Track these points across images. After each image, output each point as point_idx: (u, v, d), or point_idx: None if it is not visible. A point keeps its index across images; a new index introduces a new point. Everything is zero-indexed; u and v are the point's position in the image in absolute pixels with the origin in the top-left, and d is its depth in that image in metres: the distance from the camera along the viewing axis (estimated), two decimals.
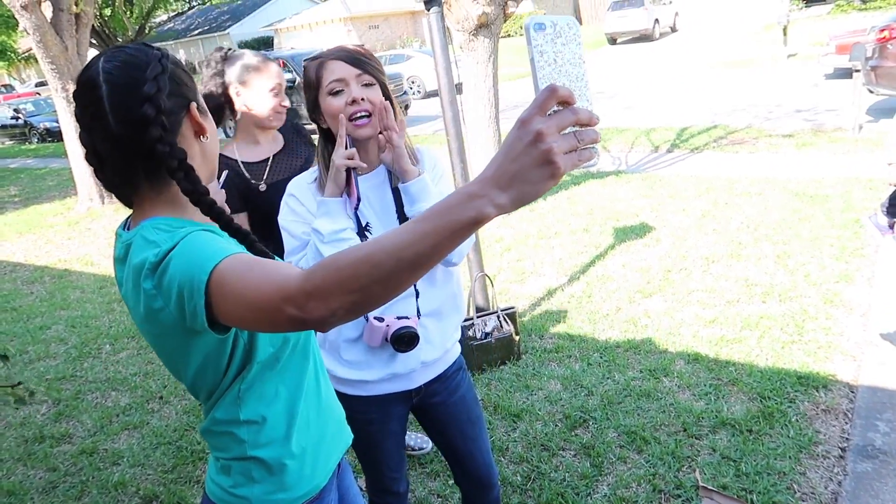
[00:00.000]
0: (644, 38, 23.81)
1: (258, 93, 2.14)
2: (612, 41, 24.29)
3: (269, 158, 2.21)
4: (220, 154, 2.09)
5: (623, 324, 3.68)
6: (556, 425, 2.87)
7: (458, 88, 6.26)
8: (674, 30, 25.86)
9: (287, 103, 2.19)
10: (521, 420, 2.93)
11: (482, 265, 3.56)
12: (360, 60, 1.54)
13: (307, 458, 1.20)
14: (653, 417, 2.82)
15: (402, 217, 1.58)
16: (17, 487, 2.94)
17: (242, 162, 2.17)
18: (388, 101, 1.54)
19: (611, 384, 3.11)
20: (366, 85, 1.54)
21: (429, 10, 3.08)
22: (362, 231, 1.57)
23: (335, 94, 1.53)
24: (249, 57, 2.16)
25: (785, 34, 15.12)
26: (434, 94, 16.63)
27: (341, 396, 1.56)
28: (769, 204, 5.30)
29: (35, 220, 8.62)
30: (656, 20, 23.92)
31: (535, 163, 0.69)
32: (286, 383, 1.16)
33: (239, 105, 2.16)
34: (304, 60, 1.61)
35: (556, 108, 0.71)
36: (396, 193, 1.60)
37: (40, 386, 3.87)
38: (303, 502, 1.19)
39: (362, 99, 1.51)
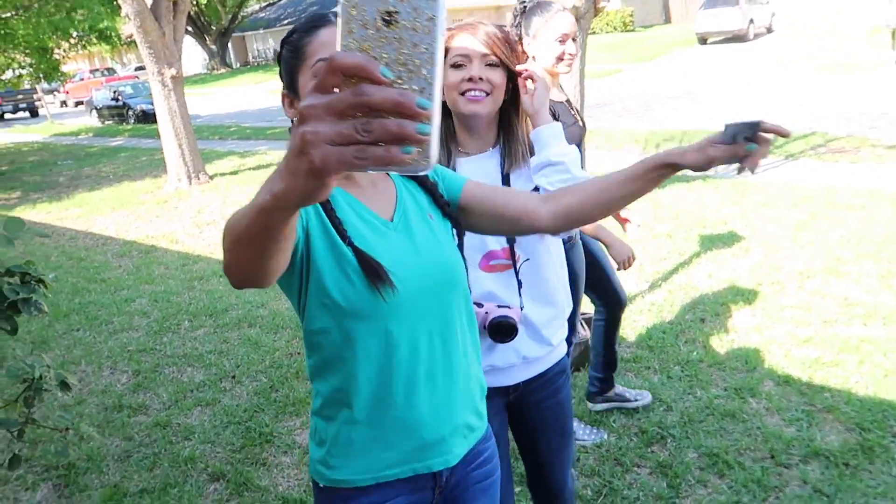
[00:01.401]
0: (737, 38, 22.82)
1: (544, 42, 2.24)
2: (703, 41, 23.39)
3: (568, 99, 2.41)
4: None
5: (707, 337, 3.48)
6: (632, 440, 2.73)
7: None
8: (770, 31, 24.67)
9: (573, 51, 2.24)
10: (597, 427, 2.80)
11: None
12: (489, 40, 1.49)
13: (340, 450, 1.16)
14: (737, 440, 2.64)
15: None
16: (95, 453, 3.03)
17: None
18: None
19: (692, 401, 2.94)
20: (490, 65, 1.49)
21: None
22: None
23: (456, 66, 1.49)
24: (539, 9, 2.28)
25: (894, 38, 14.17)
26: None
27: None
28: (873, 218, 4.92)
29: (127, 196, 9.02)
30: (751, 20, 22.88)
31: (293, 150, 0.55)
32: (340, 368, 1.13)
33: (530, 55, 2.28)
34: None
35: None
36: (506, 180, 1.54)
37: (122, 356, 4.01)
38: (335, 487, 1.18)
39: (480, 78, 1.48)
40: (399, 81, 0.55)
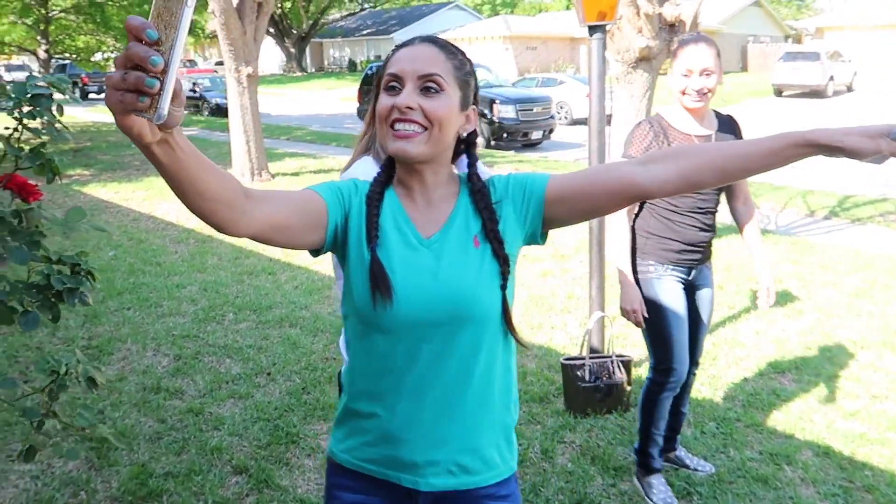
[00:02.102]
0: (815, 93, 22.27)
1: (673, 75, 2.37)
2: (778, 93, 22.93)
3: (711, 135, 2.42)
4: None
5: (747, 396, 3.38)
6: None
7: (608, 120, 6.11)
8: (850, 89, 24.02)
9: (697, 86, 2.30)
10: (620, 478, 2.75)
11: (604, 304, 3.40)
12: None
13: (339, 424, 1.28)
14: None
15: None
16: (129, 431, 3.13)
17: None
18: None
19: (724, 460, 2.85)
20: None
21: (592, 35, 2.99)
22: None
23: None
24: (681, 41, 2.40)
25: None
26: (581, 121, 16.42)
27: None
28: None
29: None
30: (831, 77, 22.32)
31: None
32: (355, 352, 1.23)
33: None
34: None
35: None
36: None
37: (167, 340, 4.14)
38: (331, 457, 1.29)
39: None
40: (161, 41, 0.72)
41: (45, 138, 1.87)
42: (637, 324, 2.50)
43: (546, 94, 14.91)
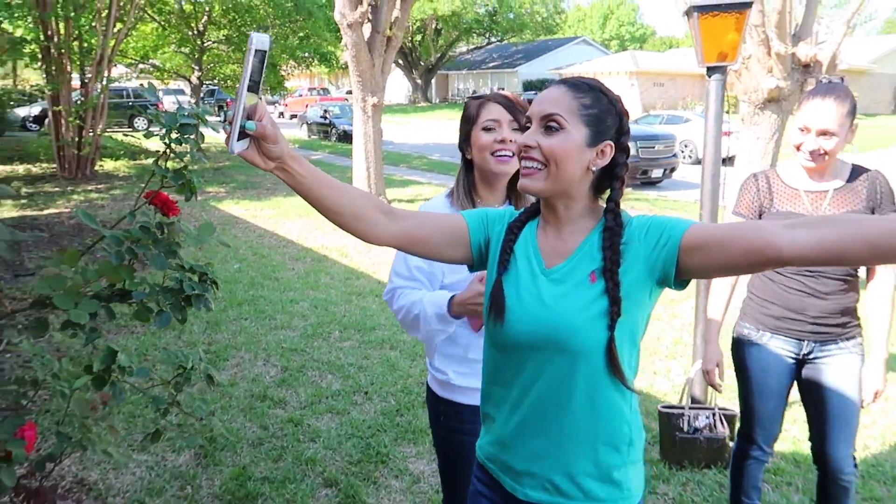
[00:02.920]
0: None
1: (794, 123, 2.18)
2: None
3: (827, 192, 2.18)
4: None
5: (869, 467, 3.10)
6: None
7: (731, 161, 5.89)
8: None
9: (812, 147, 2.10)
10: None
11: None
12: (514, 108, 1.74)
13: (483, 430, 1.41)
14: None
15: None
16: (235, 433, 3.33)
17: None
18: None
19: None
20: (515, 129, 1.72)
21: (710, 76, 2.92)
22: None
23: (488, 130, 1.74)
24: (815, 89, 2.17)
25: None
26: None
27: (456, 406, 1.81)
28: None
29: None
30: None
31: None
32: (487, 361, 1.35)
33: None
34: (467, 98, 1.83)
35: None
36: None
37: (277, 351, 4.37)
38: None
39: (511, 140, 1.71)
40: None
41: (187, 161, 2.07)
42: (711, 385, 2.38)
43: (670, 131, 14.50)
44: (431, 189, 11.74)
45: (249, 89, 1.04)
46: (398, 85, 47.05)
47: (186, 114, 2.04)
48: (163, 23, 16.56)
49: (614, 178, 1.25)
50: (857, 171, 2.20)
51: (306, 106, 28.02)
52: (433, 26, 39.77)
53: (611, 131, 1.22)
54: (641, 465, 1.31)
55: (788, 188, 2.23)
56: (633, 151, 11.15)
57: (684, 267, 1.16)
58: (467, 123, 1.80)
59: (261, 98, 1.10)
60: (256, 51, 1.03)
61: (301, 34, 17.54)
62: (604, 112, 1.22)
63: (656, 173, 12.99)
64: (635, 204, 10.33)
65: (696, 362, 3.23)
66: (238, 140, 1.06)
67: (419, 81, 43.64)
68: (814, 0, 5.04)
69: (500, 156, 1.73)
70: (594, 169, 1.23)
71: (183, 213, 2.09)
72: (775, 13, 4.72)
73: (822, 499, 2.31)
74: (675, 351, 4.45)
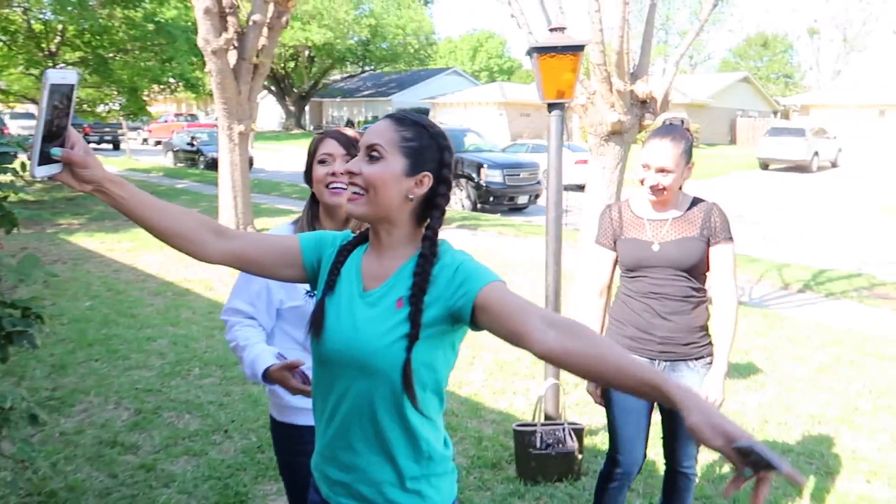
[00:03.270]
0: (800, 168, 22.80)
1: (640, 158, 2.38)
2: (764, 167, 23.47)
3: (667, 220, 2.37)
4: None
5: (700, 468, 3.39)
6: None
7: (582, 188, 6.26)
8: (834, 165, 24.62)
9: (652, 182, 2.30)
10: None
11: (559, 371, 3.44)
12: (349, 143, 1.85)
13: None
14: None
15: None
16: (79, 485, 3.11)
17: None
18: None
19: None
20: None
21: (551, 112, 3.14)
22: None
23: (322, 163, 1.85)
24: (656, 130, 2.38)
25: None
26: (568, 188, 16.72)
27: (296, 429, 1.85)
28: None
29: None
30: (816, 152, 22.91)
31: None
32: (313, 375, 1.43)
33: None
34: (316, 132, 1.94)
35: None
36: None
37: (129, 393, 4.13)
38: None
39: (343, 173, 1.76)
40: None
41: (4, 193, 1.95)
42: (599, 403, 2.51)
43: (535, 160, 15.22)
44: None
45: (56, 120, 1.12)
46: (271, 111, 46.10)
47: (5, 142, 1.94)
48: (8, 42, 15.32)
49: (434, 207, 1.34)
50: (695, 202, 2.41)
51: (172, 132, 26.82)
52: (306, 54, 39.48)
53: (430, 163, 1.31)
54: (448, 476, 1.40)
55: (635, 217, 2.43)
56: (500, 179, 11.55)
57: (475, 320, 1.25)
58: (309, 157, 1.91)
59: (72, 125, 1.19)
60: (54, 86, 1.10)
61: (164, 57, 16.80)
62: (424, 145, 1.31)
63: (522, 199, 13.58)
64: (503, 230, 10.73)
65: (548, 379, 3.42)
66: (43, 164, 1.14)
67: (292, 108, 43.03)
68: (648, 43, 5.55)
69: (334, 188, 1.82)
70: (411, 197, 1.30)
71: (30, 248, 1.96)
72: (614, 53, 5.14)
73: (670, 491, 2.52)
74: (534, 370, 4.66)
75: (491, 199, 13.17)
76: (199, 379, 4.41)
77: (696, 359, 2.36)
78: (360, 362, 1.28)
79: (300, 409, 1.84)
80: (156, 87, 20.67)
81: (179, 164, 22.23)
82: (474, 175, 13.15)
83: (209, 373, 4.51)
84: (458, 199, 13.54)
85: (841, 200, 16.45)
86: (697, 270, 2.34)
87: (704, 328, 2.39)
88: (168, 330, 5.38)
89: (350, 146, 1.85)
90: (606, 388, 2.48)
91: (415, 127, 1.32)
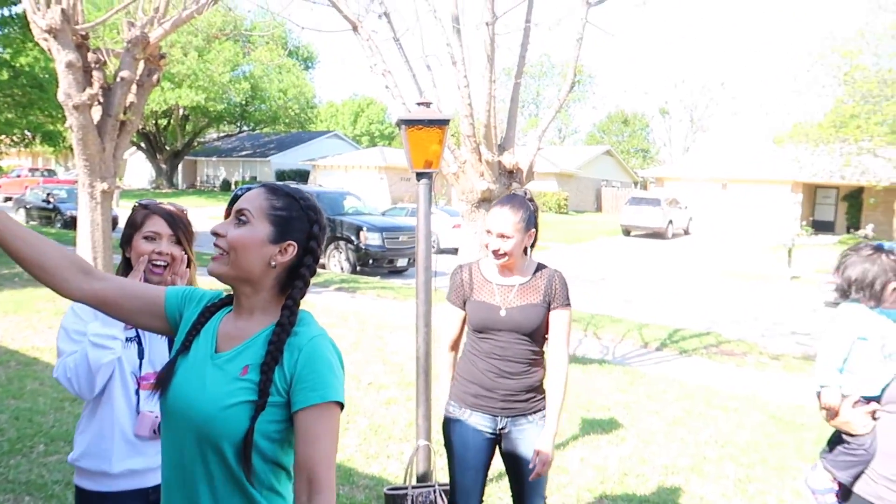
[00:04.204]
0: (657, 235, 24.71)
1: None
2: (627, 233, 25.22)
3: (514, 286, 2.52)
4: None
5: None
6: None
7: (457, 252, 6.46)
8: (687, 233, 26.87)
9: (495, 246, 2.46)
10: None
11: (430, 432, 3.48)
12: (176, 224, 1.96)
13: None
14: None
15: None
16: None
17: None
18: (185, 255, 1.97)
19: None
20: (173, 243, 1.94)
21: (419, 181, 3.28)
22: (138, 340, 1.92)
23: (148, 239, 1.93)
24: (500, 199, 2.59)
25: (790, 256, 15.64)
26: (447, 251, 17.12)
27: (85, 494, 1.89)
28: (743, 422, 5.21)
29: (26, 302, 8.68)
30: (670, 221, 24.96)
31: None
32: None
33: None
34: (137, 203, 2.02)
35: None
36: None
37: None
38: None
39: (167, 253, 1.92)
40: None
41: None
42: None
43: (414, 223, 15.52)
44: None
45: None
46: (140, 168, 44.05)
47: None
48: None
49: (298, 277, 1.36)
50: (539, 269, 2.57)
51: (26, 187, 24.91)
52: (180, 112, 38.38)
53: (297, 233, 1.34)
54: None
55: (485, 280, 2.56)
56: (379, 241, 11.65)
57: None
58: (131, 228, 1.96)
59: None
60: None
61: (21, 105, 15.75)
62: (293, 216, 1.35)
63: (402, 262, 13.73)
64: (381, 292, 10.77)
65: (420, 440, 3.44)
66: None
67: (164, 166, 41.33)
68: (513, 118, 5.93)
69: (156, 265, 1.91)
70: (274, 264, 1.33)
71: None
72: (483, 126, 5.45)
73: None
74: (409, 433, 4.66)
75: (370, 261, 13.22)
76: (44, 456, 4.02)
77: (535, 412, 2.52)
78: (197, 423, 1.27)
79: (121, 475, 1.85)
80: (8, 140, 19.30)
81: (32, 223, 20.59)
82: (353, 238, 13.18)
83: (56, 449, 4.13)
84: (338, 262, 13.47)
85: (692, 265, 17.95)
86: (538, 334, 2.52)
87: (541, 385, 2.57)
88: (9, 403, 4.89)
89: (176, 226, 1.94)
90: (448, 440, 2.59)
91: (287, 198, 1.36)
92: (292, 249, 1.34)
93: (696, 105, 54.94)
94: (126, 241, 1.96)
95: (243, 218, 1.33)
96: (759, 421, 5.26)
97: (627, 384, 6.19)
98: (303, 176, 36.13)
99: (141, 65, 8.78)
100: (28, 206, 21.09)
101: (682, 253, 20.85)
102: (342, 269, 13.40)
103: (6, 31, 13.92)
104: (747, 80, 64.01)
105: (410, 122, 3.22)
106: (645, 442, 4.69)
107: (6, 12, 13.62)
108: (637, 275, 15.58)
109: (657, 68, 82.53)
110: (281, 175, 36.30)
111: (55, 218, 19.86)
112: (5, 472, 3.80)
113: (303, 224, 1.36)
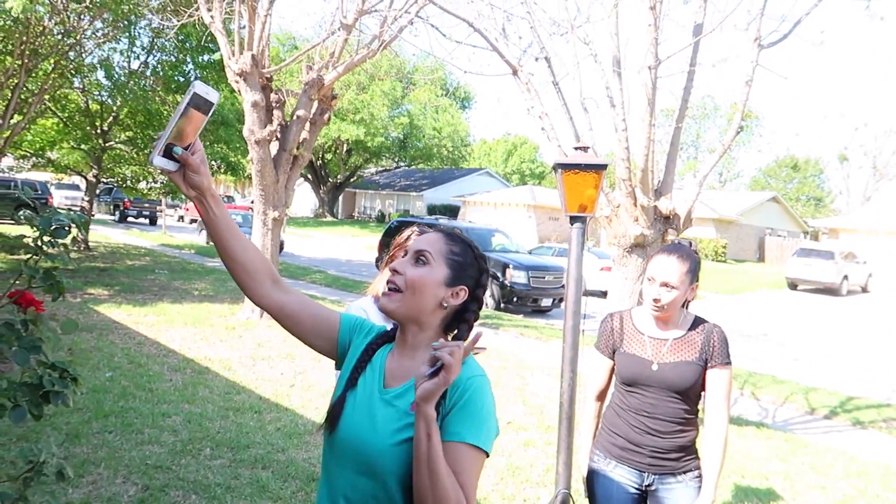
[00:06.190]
0: (829, 291, 22.58)
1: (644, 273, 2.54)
2: (793, 286, 23.28)
3: (667, 340, 2.43)
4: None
5: None
6: None
7: (605, 294, 6.29)
8: (865, 290, 24.33)
9: (655, 295, 2.39)
10: None
11: (570, 480, 3.39)
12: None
13: None
14: None
15: None
16: None
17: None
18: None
19: None
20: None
21: (573, 225, 3.26)
22: None
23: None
24: (664, 246, 2.53)
25: None
26: (593, 293, 16.75)
27: None
28: None
29: (202, 315, 9.58)
30: (846, 276, 22.72)
31: None
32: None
33: None
34: (396, 221, 2.01)
35: None
36: None
37: (139, 469, 4.14)
38: None
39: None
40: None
41: (56, 263, 2.10)
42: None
43: (560, 263, 15.37)
44: (326, 305, 11.72)
45: (187, 126, 1.24)
46: (305, 198, 47.54)
47: (61, 218, 2.10)
48: (65, 119, 16.27)
49: (463, 321, 1.43)
50: (697, 323, 2.45)
51: None
52: (344, 147, 41.07)
53: (469, 280, 1.42)
54: None
55: (637, 332, 2.49)
56: (524, 280, 11.65)
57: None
58: (394, 242, 2.11)
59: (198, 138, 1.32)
60: (196, 95, 1.24)
61: (212, 136, 17.61)
62: (467, 263, 1.42)
63: (546, 302, 13.60)
64: (524, 331, 10.72)
65: (558, 489, 3.36)
66: (163, 156, 1.25)
67: (326, 197, 44.33)
68: (672, 162, 5.75)
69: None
70: (445, 305, 1.39)
71: (59, 316, 2.09)
72: (639, 170, 5.33)
73: None
74: (546, 479, 4.57)
75: (515, 299, 13.23)
76: (210, 459, 4.40)
77: (685, 472, 2.40)
78: (366, 458, 1.31)
79: None
80: None
81: (211, 244, 22.79)
82: (499, 275, 13.28)
83: (220, 454, 4.50)
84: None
85: (871, 326, 16.17)
86: (692, 393, 2.38)
87: (693, 444, 2.43)
88: (184, 407, 5.41)
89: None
90: (591, 492, 2.52)
91: (463, 244, 1.44)
92: (463, 294, 1.41)
93: (880, 151, 50.05)
94: (384, 247, 2.09)
95: (423, 259, 1.40)
96: None
97: (788, 452, 5.66)
98: (453, 211, 37.12)
99: (315, 104, 9.54)
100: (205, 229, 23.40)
101: (859, 312, 18.85)
102: (486, 305, 13.53)
103: (205, 74, 15.67)
104: None
105: (567, 166, 3.23)
106: None
107: (206, 58, 15.37)
108: (804, 332, 14.29)
109: (835, 111, 76.33)
110: (432, 209, 37.57)
111: None
112: (177, 469, 4.19)
113: (474, 271, 1.44)
